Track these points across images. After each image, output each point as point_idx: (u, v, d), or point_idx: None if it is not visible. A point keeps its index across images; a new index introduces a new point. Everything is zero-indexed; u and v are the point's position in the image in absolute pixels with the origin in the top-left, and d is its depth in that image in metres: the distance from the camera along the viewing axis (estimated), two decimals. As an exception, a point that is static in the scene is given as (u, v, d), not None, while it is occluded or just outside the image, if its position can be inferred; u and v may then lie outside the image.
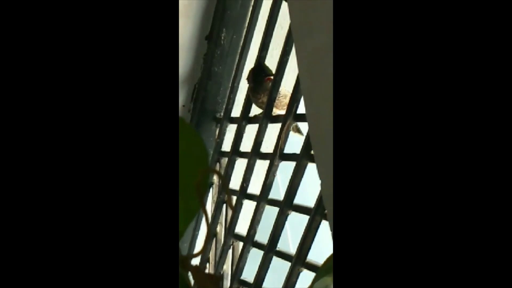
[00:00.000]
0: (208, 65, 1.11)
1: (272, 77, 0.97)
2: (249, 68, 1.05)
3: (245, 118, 1.05)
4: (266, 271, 0.96)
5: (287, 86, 0.96)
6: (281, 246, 0.95)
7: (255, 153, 1.00)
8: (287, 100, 0.93)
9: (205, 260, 1.13)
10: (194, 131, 0.48)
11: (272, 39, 0.99)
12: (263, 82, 1.01)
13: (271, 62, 0.99)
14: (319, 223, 0.84)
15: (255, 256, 1.00)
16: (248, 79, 1.04)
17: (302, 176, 0.90)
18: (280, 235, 0.95)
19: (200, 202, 0.47)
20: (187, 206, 0.49)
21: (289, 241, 1.07)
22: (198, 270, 0.45)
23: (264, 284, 0.98)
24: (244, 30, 1.06)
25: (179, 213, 0.49)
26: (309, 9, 0.66)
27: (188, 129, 0.48)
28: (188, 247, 1.15)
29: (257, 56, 1.01)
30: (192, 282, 0.46)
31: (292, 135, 0.99)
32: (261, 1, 1.01)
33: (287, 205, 0.92)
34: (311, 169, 0.87)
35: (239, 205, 1.04)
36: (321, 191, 0.74)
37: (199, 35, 1.10)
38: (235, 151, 1.06)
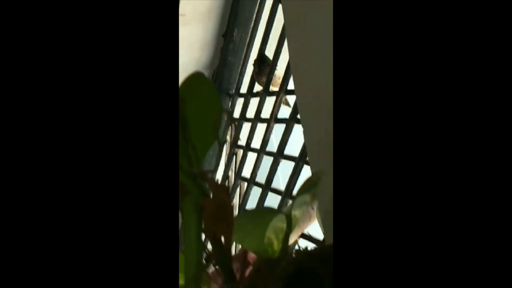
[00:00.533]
0: (224, 56, 1.10)
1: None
2: (255, 58, 1.04)
3: (250, 94, 1.05)
4: (264, 203, 0.97)
5: (280, 70, 0.96)
6: (274, 184, 0.96)
7: (257, 118, 1.00)
8: (280, 81, 0.93)
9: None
10: (208, 82, 0.48)
11: (270, 36, 0.98)
12: (265, 68, 1.01)
13: (270, 53, 0.98)
14: (302, 167, 0.85)
15: (255, 193, 1.01)
16: (254, 65, 1.04)
17: (290, 134, 0.90)
18: (273, 177, 0.95)
19: (214, 133, 0.47)
20: (204, 140, 0.49)
21: (280, 181, 1.07)
22: (213, 181, 0.45)
23: (262, 212, 0.98)
24: (251, 29, 1.06)
25: (200, 145, 0.49)
26: (299, 8, 0.65)
27: (204, 82, 0.48)
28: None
29: (259, 49, 1.00)
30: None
31: (283, 107, 0.99)
32: (263, 7, 1.01)
33: (279, 155, 0.92)
34: (296, 129, 0.88)
35: (245, 156, 1.04)
36: (304, 142, 0.74)
37: (217, 34, 1.10)
38: (243, 117, 1.06)
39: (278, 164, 0.93)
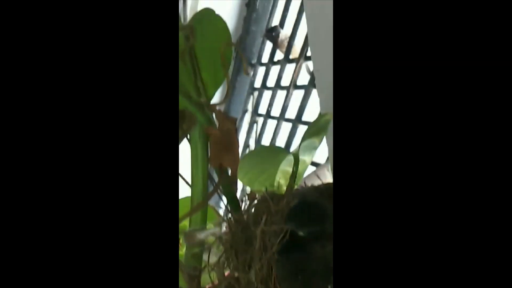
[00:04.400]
0: (247, 25, 1.10)
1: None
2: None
3: (271, 62, 1.04)
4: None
5: (300, 40, 0.96)
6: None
7: (277, 86, 1.00)
8: (299, 50, 0.93)
9: (240, 163, 1.13)
10: (219, 17, 0.48)
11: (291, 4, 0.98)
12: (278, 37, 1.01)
13: (291, 21, 0.98)
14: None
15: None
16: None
17: (308, 100, 0.90)
18: (291, 143, 0.95)
19: (224, 68, 0.47)
20: (215, 76, 0.49)
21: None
22: (220, 112, 0.46)
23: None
24: (272, -2, 1.06)
25: (210, 82, 0.50)
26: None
27: (215, 17, 0.48)
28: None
29: (281, 16, 1.00)
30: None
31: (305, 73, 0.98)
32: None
33: (297, 120, 0.92)
34: (314, 95, 0.87)
35: (265, 123, 1.05)
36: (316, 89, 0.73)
37: (241, 3, 1.10)
38: (263, 86, 1.06)
39: (296, 130, 0.93)
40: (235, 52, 1.11)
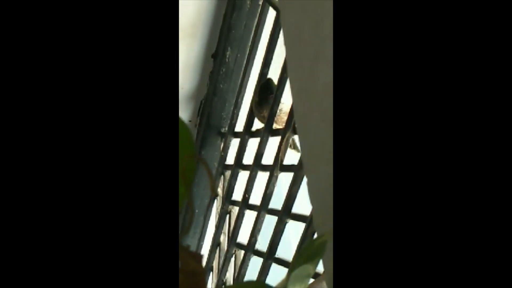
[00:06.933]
0: (214, 82, 1.12)
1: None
2: (256, 82, 1.05)
3: (247, 133, 1.05)
4: (266, 278, 0.96)
5: (289, 103, 0.97)
6: (284, 253, 0.96)
7: (257, 165, 1.01)
8: (286, 116, 0.94)
9: (209, 268, 1.13)
10: (182, 122, 0.49)
11: (276, 57, 1.00)
12: (268, 98, 1.01)
13: (275, 79, 0.99)
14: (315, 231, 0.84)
15: (256, 264, 1.01)
16: (254, 94, 1.04)
17: (299, 186, 0.90)
18: (278, 243, 0.95)
19: (186, 186, 0.48)
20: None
21: (293, 248, 1.07)
22: (183, 249, 0.46)
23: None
24: (248, 48, 1.08)
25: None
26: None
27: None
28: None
29: (259, 73, 1.02)
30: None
31: (290, 151, 1.00)
32: (264, 21, 1.03)
33: (285, 213, 0.92)
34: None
35: (241, 215, 1.05)
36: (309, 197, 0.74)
37: (205, 54, 1.12)
38: (238, 164, 1.07)
39: (284, 226, 0.93)
40: (199, 111, 1.13)
